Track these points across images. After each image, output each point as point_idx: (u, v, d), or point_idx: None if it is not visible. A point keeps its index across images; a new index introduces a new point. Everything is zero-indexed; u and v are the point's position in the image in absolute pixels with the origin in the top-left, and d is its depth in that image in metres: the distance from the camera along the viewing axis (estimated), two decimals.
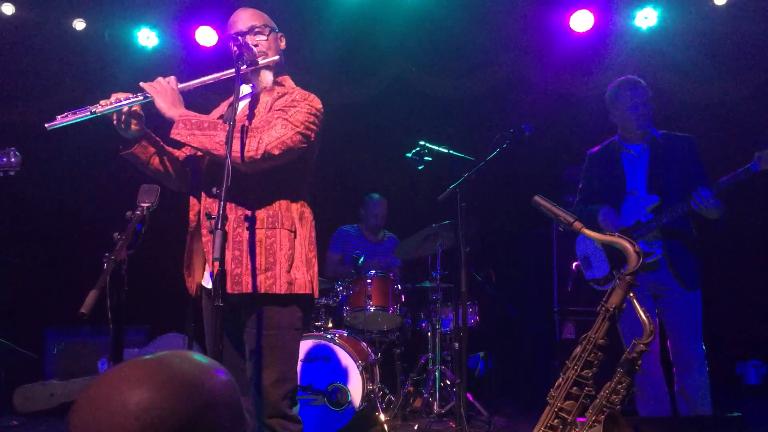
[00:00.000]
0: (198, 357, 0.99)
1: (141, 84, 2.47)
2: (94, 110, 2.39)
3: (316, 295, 2.56)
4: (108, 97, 2.43)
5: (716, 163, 3.60)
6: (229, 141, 2.20)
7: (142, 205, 2.17)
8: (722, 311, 5.29)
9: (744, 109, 5.73)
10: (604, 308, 1.92)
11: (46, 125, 2.41)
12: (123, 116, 2.45)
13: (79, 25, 5.84)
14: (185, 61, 5.90)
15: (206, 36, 5.85)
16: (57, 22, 5.80)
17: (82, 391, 0.93)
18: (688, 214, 3.35)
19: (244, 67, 2.47)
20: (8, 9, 5.60)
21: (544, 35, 5.91)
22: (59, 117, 2.40)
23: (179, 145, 2.56)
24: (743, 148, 3.27)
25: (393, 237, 5.74)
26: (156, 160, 2.60)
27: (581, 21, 5.75)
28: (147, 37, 5.98)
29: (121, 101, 2.42)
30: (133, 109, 2.47)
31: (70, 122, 2.39)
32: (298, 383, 2.65)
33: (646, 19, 5.73)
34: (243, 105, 2.59)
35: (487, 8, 5.82)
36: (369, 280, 4.77)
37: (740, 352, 6.07)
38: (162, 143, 2.62)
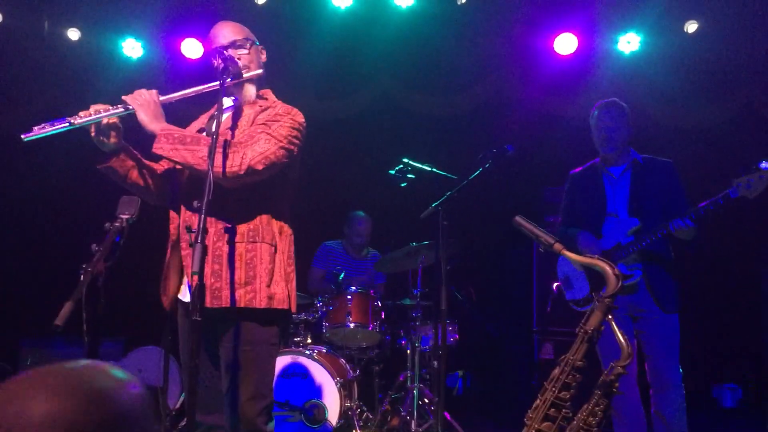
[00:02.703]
0: (114, 371, 0.96)
1: (123, 97, 2.42)
2: (72, 121, 2.33)
3: (294, 310, 2.55)
4: (87, 108, 2.38)
5: (695, 188, 3.64)
6: (212, 154, 2.19)
7: (122, 216, 2.15)
8: (698, 334, 5.33)
9: (723, 135, 5.82)
10: (582, 330, 1.92)
11: (22, 137, 2.33)
12: (102, 128, 2.41)
13: (73, 35, 5.82)
14: (170, 72, 5.88)
15: (192, 48, 5.84)
16: (41, 31, 5.77)
17: None
18: (668, 238, 3.39)
19: (229, 80, 2.47)
20: None
21: (529, 57, 5.97)
22: (36, 128, 2.32)
23: (157, 158, 2.53)
24: (722, 173, 3.31)
25: (377, 254, 5.71)
26: (134, 174, 2.55)
27: (565, 44, 5.82)
28: (132, 48, 5.97)
29: (100, 113, 2.37)
30: (112, 121, 2.42)
31: (48, 133, 2.32)
32: (275, 399, 2.62)
33: (629, 43, 5.81)
34: (225, 118, 2.57)
35: (472, 29, 5.88)
36: (349, 297, 4.75)
37: (716, 375, 6.11)
38: (140, 157, 2.58)
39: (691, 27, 5.63)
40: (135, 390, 0.95)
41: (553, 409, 1.90)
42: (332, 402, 4.23)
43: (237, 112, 2.58)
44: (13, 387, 0.89)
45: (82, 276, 1.93)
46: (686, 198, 3.52)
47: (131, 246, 2.25)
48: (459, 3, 5.72)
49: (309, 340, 4.81)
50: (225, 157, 2.32)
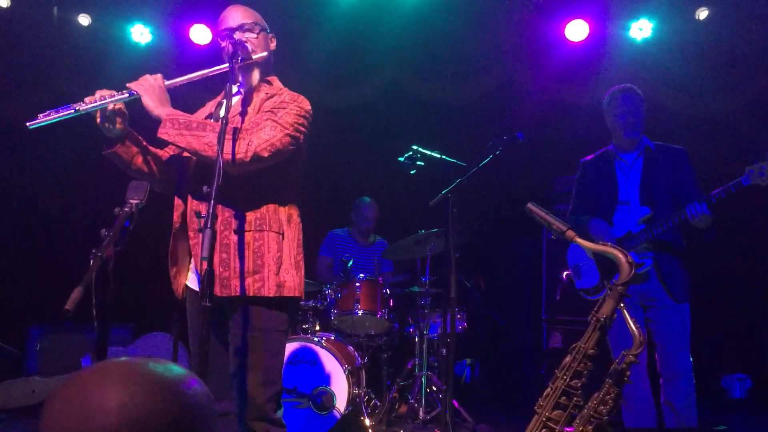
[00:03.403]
0: (174, 366, 0.97)
1: (128, 84, 2.39)
2: (77, 108, 2.29)
3: (303, 297, 2.55)
4: (93, 94, 2.36)
5: (707, 176, 3.61)
6: (221, 139, 2.17)
7: (131, 201, 2.14)
8: (708, 325, 5.31)
9: (736, 122, 5.76)
10: (594, 318, 1.91)
11: (27, 124, 2.30)
12: (107, 114, 2.38)
13: (84, 20, 5.80)
14: (178, 58, 5.86)
15: (201, 34, 5.82)
16: (50, 17, 5.76)
17: (56, 389, 0.89)
18: (679, 227, 3.36)
19: (239, 61, 2.44)
20: (3, 2, 5.55)
21: (540, 44, 5.93)
22: (41, 115, 2.29)
23: (163, 144, 2.50)
24: (735, 161, 3.28)
25: (383, 241, 5.72)
26: (139, 160, 2.53)
27: (576, 31, 5.77)
28: (141, 33, 5.95)
29: (105, 98, 2.33)
30: (118, 107, 2.39)
31: (53, 120, 2.29)
32: (284, 386, 2.62)
33: (641, 30, 5.76)
34: (233, 104, 2.55)
35: (483, 15, 5.83)
36: (358, 284, 4.75)
37: (725, 365, 6.09)
38: (145, 143, 2.56)
39: (702, 14, 5.57)
40: (196, 384, 0.95)
41: (564, 398, 1.89)
42: (340, 389, 4.23)
43: (245, 97, 2.56)
44: (84, 379, 0.89)
45: (91, 261, 1.92)
46: (698, 185, 3.49)
47: (140, 231, 2.24)
48: None
49: (317, 327, 4.82)
50: (231, 144, 2.31)
